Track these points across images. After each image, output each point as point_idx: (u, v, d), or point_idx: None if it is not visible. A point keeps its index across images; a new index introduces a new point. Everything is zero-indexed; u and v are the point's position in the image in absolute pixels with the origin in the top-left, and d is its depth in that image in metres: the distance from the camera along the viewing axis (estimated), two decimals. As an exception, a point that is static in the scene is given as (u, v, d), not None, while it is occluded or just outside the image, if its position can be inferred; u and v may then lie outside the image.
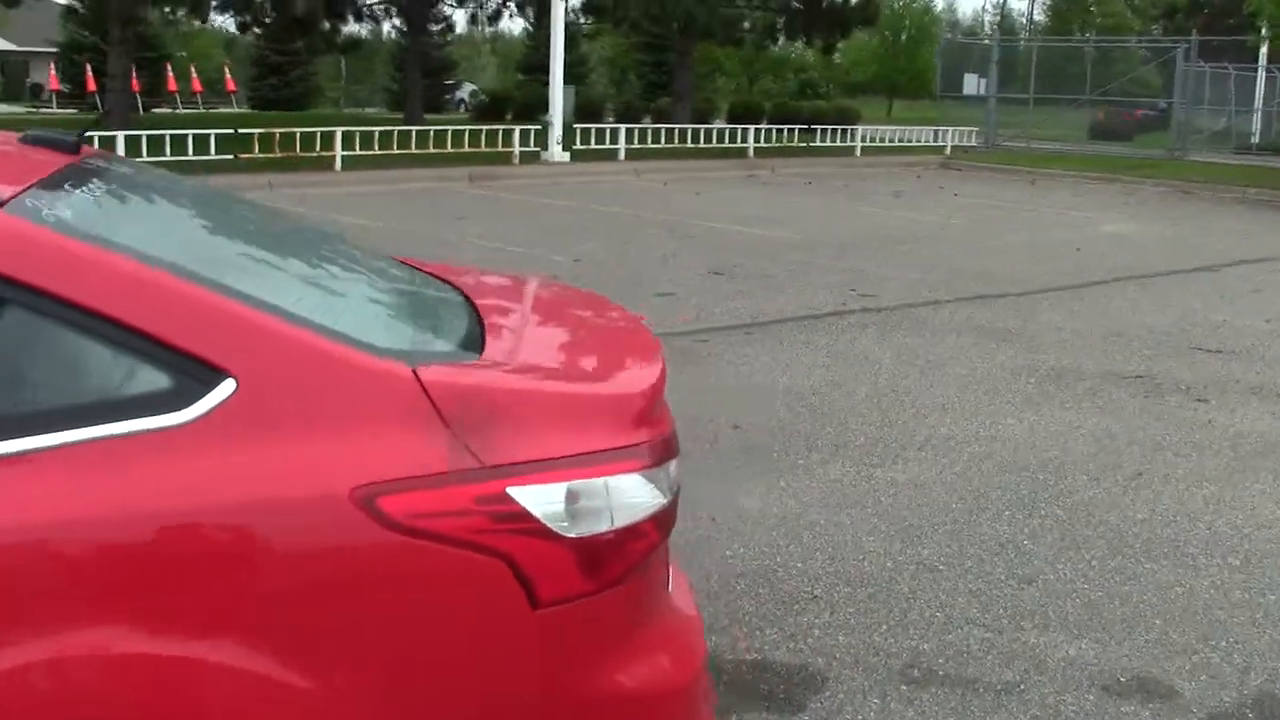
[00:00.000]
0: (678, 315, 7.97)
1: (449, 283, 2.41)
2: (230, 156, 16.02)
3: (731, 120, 29.27)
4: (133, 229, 2.00)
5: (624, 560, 1.81)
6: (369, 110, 40.96)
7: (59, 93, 35.11)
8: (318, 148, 16.93)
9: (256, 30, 30.55)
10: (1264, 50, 27.44)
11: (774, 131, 24.72)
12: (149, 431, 1.65)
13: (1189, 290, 9.87)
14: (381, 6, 29.42)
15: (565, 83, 19.44)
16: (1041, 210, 16.13)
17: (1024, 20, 56.56)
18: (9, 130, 2.41)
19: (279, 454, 1.68)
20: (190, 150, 15.85)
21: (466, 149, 18.40)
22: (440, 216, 13.02)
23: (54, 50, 37.14)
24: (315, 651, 1.67)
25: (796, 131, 25.01)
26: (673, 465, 1.91)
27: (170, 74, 33.58)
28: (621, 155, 20.12)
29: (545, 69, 19.94)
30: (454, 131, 18.79)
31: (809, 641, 3.45)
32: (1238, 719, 3.12)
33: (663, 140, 21.41)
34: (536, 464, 1.74)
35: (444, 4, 31.17)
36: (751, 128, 23.37)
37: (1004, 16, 56.80)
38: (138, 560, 1.62)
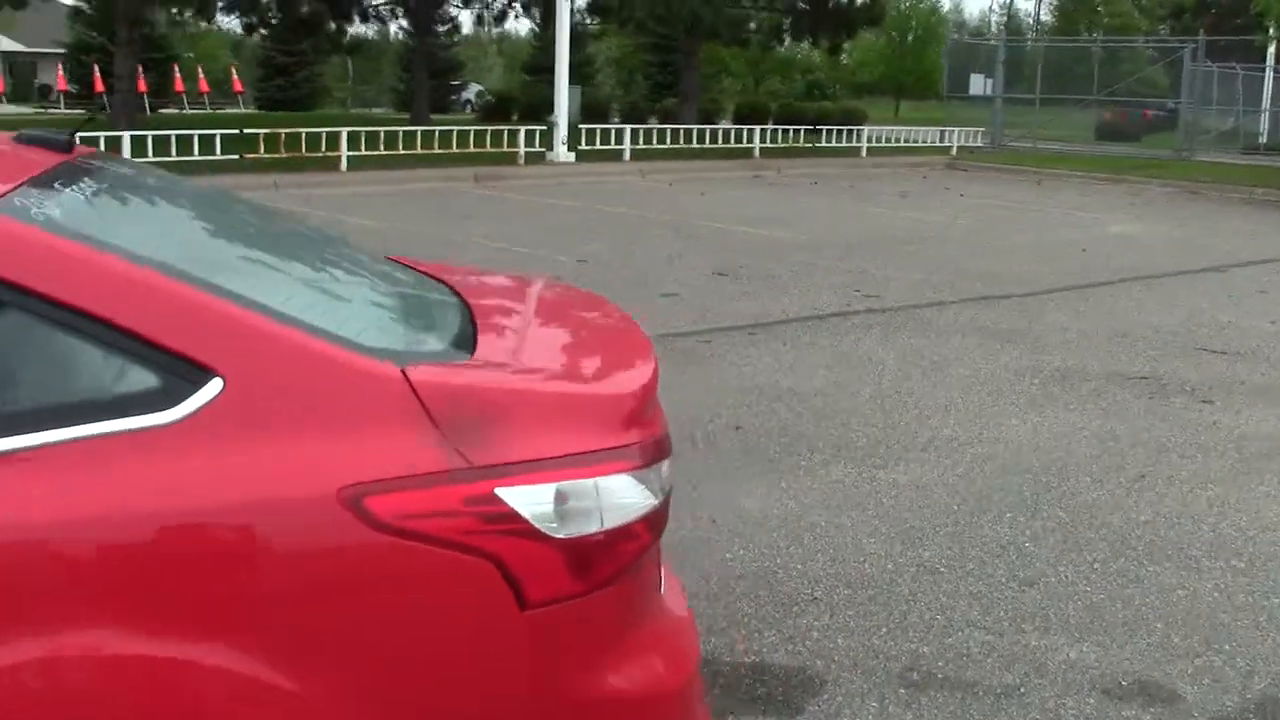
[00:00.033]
0: (681, 316, 7.95)
1: (443, 282, 2.39)
2: (236, 157, 16.05)
3: (737, 121, 29.24)
4: (123, 228, 1.99)
5: (614, 561, 1.79)
6: (376, 111, 41.04)
7: (67, 93, 35.20)
8: (323, 148, 16.95)
9: (263, 31, 30.63)
10: (1271, 50, 27.39)
11: (780, 132, 24.71)
12: (135, 431, 1.64)
13: (1195, 291, 9.83)
14: (388, 7, 29.45)
15: (571, 83, 19.46)
16: (1048, 211, 16.08)
17: (1031, 20, 56.47)
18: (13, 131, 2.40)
19: (266, 454, 1.67)
20: (196, 150, 15.88)
21: (472, 149, 18.41)
22: (446, 217, 13.02)
23: (62, 51, 37.26)
24: (301, 653, 1.65)
25: (802, 132, 24.98)
26: (664, 466, 1.89)
27: (177, 75, 33.68)
28: (627, 156, 20.11)
29: (551, 69, 19.93)
30: (459, 132, 18.80)
31: (807, 644, 3.43)
32: (1240, 723, 3.10)
33: (668, 141, 21.40)
34: (526, 464, 1.72)
35: (450, 4, 31.19)
36: (757, 128, 23.35)
37: (1011, 17, 56.58)
38: (122, 560, 1.61)
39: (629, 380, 1.98)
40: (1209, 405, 6.19)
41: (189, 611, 1.62)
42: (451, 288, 2.35)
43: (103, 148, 14.23)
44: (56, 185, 1.95)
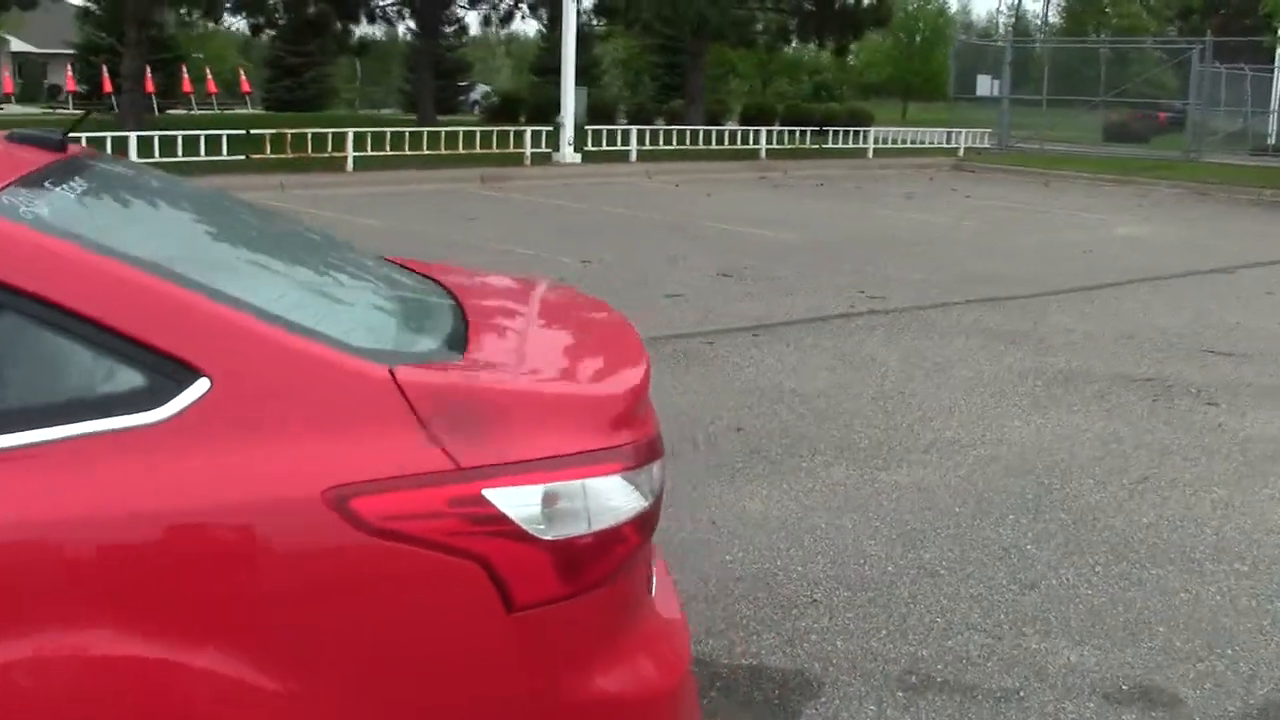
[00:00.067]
0: (685, 317, 7.94)
1: (437, 282, 2.38)
2: (242, 157, 16.08)
3: (744, 122, 29.22)
4: (113, 227, 1.98)
5: (603, 563, 1.78)
6: (384, 111, 41.06)
7: (76, 94, 35.32)
8: (329, 149, 16.96)
9: (270, 32, 30.68)
10: (1280, 51, 27.28)
11: (786, 133, 24.68)
12: (120, 431, 1.63)
13: (1202, 292, 9.79)
14: (394, 8, 29.50)
15: (578, 84, 19.44)
16: (1054, 212, 16.04)
17: (1038, 22, 56.39)
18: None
19: (253, 454, 1.66)
20: (202, 151, 15.91)
21: (478, 150, 18.43)
22: (451, 218, 13.02)
23: (71, 52, 37.37)
24: (287, 654, 1.64)
25: (809, 133, 24.95)
26: (655, 468, 1.88)
27: (185, 75, 33.75)
28: (633, 157, 20.10)
29: (559, 71, 19.93)
30: (465, 133, 18.81)
31: (806, 647, 3.41)
32: (1241, 727, 3.08)
33: (675, 142, 21.39)
34: (513, 465, 1.71)
35: (456, 5, 31.22)
36: (764, 129, 23.31)
37: (1018, 18, 56.60)
38: (105, 561, 1.60)
39: (620, 381, 1.97)
40: (1214, 407, 6.16)
41: (173, 612, 1.61)
42: (445, 288, 2.34)
43: (109, 148, 14.26)
44: (47, 184, 1.94)
